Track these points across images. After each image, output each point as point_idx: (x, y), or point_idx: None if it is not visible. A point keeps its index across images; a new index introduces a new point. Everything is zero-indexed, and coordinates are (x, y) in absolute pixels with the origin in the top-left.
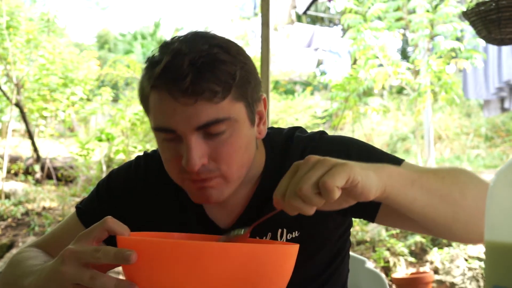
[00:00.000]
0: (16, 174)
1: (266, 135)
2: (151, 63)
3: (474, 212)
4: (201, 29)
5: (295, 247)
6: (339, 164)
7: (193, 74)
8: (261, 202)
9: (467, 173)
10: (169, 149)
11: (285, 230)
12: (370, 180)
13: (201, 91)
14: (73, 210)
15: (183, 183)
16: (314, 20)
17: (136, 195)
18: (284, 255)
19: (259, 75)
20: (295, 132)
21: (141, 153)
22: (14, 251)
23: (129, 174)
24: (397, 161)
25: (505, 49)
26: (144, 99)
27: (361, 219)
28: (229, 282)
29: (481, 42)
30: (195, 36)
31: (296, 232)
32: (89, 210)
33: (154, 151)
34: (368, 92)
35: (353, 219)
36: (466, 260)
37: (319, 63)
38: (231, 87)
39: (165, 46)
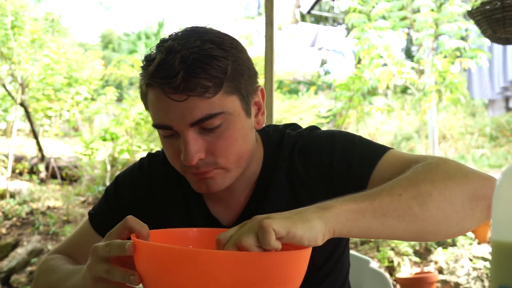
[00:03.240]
0: (20, 174)
1: (265, 132)
2: (147, 61)
3: (441, 220)
4: (199, 24)
5: (307, 252)
6: (281, 217)
7: (184, 71)
8: (260, 199)
9: (437, 167)
10: (169, 144)
11: None
12: (314, 230)
13: (192, 87)
14: (77, 209)
15: (186, 176)
16: (318, 20)
17: (141, 196)
18: (296, 260)
19: (263, 75)
20: (287, 129)
21: (144, 155)
22: (19, 250)
23: (133, 177)
24: (383, 150)
25: (510, 48)
26: (143, 97)
27: None
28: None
29: (486, 42)
30: (189, 32)
31: None
32: (99, 216)
33: (157, 152)
34: (372, 92)
35: None
36: (471, 260)
37: (323, 63)
38: (223, 82)
39: (160, 44)
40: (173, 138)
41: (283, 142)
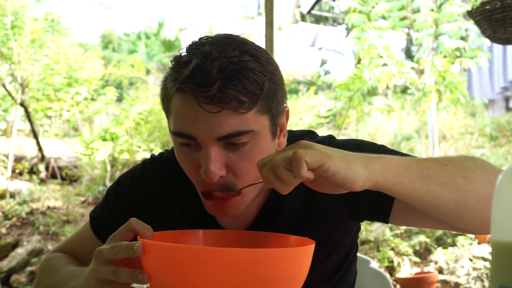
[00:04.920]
0: (20, 174)
1: None
2: (179, 63)
3: (482, 197)
4: (229, 31)
5: (311, 248)
6: (321, 148)
7: (222, 81)
8: (272, 209)
9: (475, 159)
10: (186, 155)
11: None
12: (352, 172)
13: (227, 100)
14: (77, 209)
15: (200, 193)
16: (318, 20)
17: (142, 199)
18: (300, 256)
19: None
20: (305, 137)
21: (148, 156)
22: (19, 250)
23: (135, 180)
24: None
25: (510, 48)
26: (166, 100)
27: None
28: (250, 284)
29: (486, 42)
30: (225, 39)
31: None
32: (99, 218)
33: (161, 154)
34: (372, 92)
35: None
36: (471, 260)
37: (323, 63)
38: (258, 99)
39: (194, 47)
40: (192, 148)
41: None
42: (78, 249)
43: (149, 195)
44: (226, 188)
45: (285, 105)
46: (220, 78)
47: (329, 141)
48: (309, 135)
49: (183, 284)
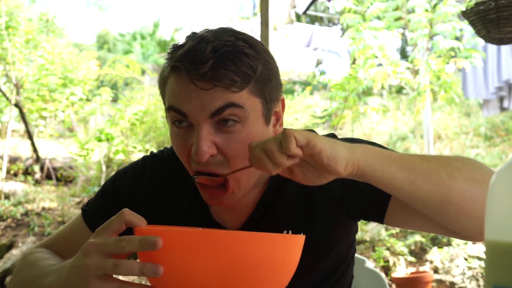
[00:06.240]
0: (15, 175)
1: None
2: (175, 47)
3: (466, 195)
4: (221, 26)
5: (302, 237)
6: (308, 132)
7: (214, 60)
8: (268, 205)
9: (466, 159)
10: (178, 135)
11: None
12: (336, 151)
13: (220, 77)
14: (72, 210)
15: (193, 178)
16: (314, 20)
17: (141, 196)
18: (292, 244)
19: None
20: None
21: (148, 154)
22: (14, 251)
23: (135, 175)
24: None
25: (505, 48)
26: (162, 82)
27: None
28: (242, 268)
29: (481, 42)
30: (223, 28)
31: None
32: (94, 211)
33: (161, 152)
34: (367, 92)
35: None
36: (466, 259)
37: (319, 63)
38: (251, 80)
39: (191, 34)
40: (184, 129)
41: None
42: (67, 244)
43: (149, 191)
44: (216, 168)
45: (280, 94)
46: (213, 57)
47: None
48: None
49: (194, 267)
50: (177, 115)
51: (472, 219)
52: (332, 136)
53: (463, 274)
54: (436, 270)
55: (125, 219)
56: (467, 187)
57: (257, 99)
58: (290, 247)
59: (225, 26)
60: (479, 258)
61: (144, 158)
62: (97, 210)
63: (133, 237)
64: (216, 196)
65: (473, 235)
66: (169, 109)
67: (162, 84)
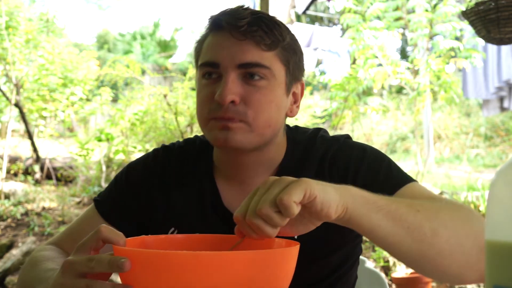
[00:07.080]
0: (15, 175)
1: (290, 131)
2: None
3: (446, 254)
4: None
5: (295, 249)
6: (295, 181)
7: (251, 18)
8: None
9: (458, 210)
10: (206, 86)
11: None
12: (329, 195)
13: (253, 32)
14: (72, 210)
15: (208, 124)
16: (314, 20)
17: (153, 185)
18: (283, 258)
19: None
20: (319, 132)
21: (159, 147)
22: (14, 251)
23: (147, 165)
24: (408, 179)
25: (505, 48)
26: (198, 46)
27: None
28: None
29: (481, 42)
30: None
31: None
32: (107, 201)
33: (172, 144)
34: (367, 92)
35: None
36: None
37: (319, 63)
38: (278, 44)
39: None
40: (212, 81)
41: (316, 144)
42: (81, 238)
43: (161, 179)
44: (233, 114)
45: (302, 76)
46: (251, 17)
47: (344, 140)
48: (322, 131)
49: None
50: (208, 68)
51: (447, 275)
52: (347, 137)
53: None
54: None
55: (101, 237)
56: (449, 245)
57: (282, 66)
58: (282, 262)
59: None
60: None
61: (156, 149)
62: (110, 199)
63: (103, 256)
64: (225, 128)
65: (448, 282)
66: (202, 65)
67: (199, 46)
